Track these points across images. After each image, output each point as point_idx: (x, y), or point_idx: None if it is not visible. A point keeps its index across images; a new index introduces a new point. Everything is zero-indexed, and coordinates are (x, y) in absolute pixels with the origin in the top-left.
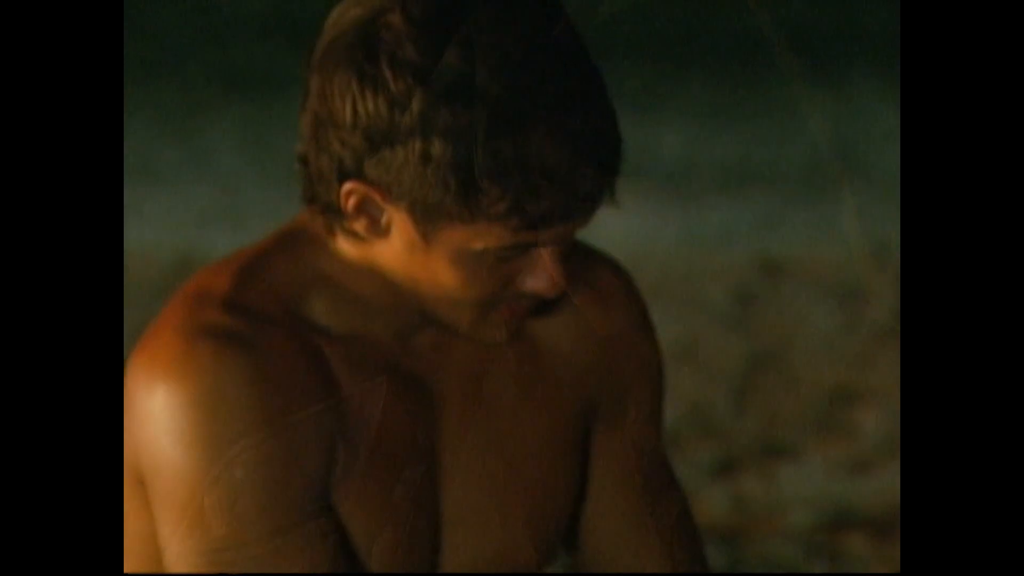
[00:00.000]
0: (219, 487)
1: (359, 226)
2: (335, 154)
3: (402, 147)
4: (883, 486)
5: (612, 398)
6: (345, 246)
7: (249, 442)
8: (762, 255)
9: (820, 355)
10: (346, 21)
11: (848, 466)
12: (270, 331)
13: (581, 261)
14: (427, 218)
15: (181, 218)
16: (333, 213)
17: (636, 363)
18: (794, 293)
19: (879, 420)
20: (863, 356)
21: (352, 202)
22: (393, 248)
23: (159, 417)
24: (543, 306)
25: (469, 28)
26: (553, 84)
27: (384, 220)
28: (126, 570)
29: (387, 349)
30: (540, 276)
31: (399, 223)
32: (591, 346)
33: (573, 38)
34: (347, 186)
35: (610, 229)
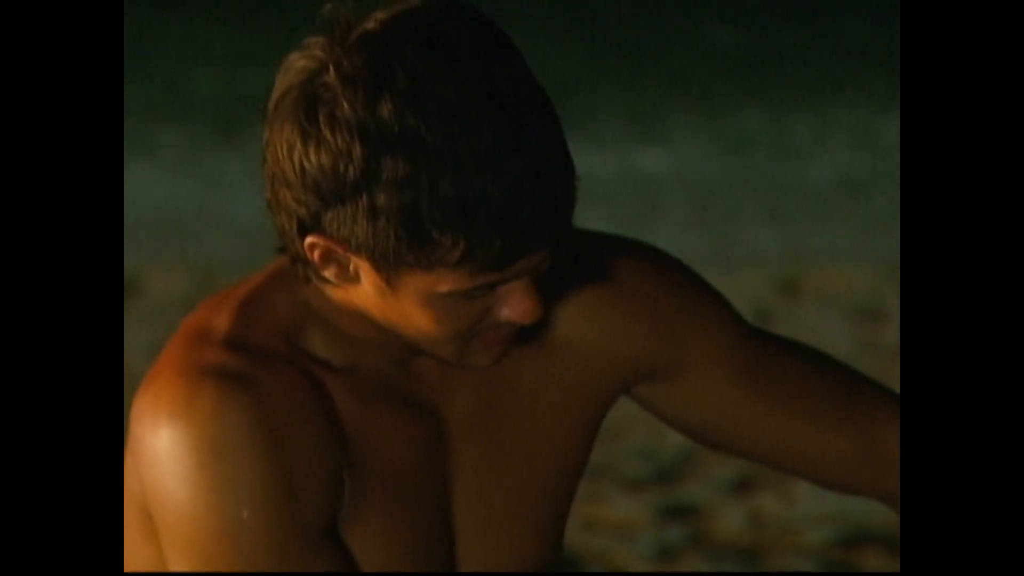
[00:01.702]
0: (226, 526)
1: (329, 274)
2: (292, 211)
3: (351, 202)
4: None
5: (668, 361)
6: (327, 288)
7: (254, 481)
8: (780, 274)
9: None
10: (291, 75)
11: None
12: (272, 368)
13: (600, 256)
14: (388, 267)
15: None
16: (304, 262)
17: (697, 330)
18: (811, 311)
19: None
20: (879, 374)
21: (317, 254)
22: (366, 292)
23: (165, 459)
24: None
25: (404, 80)
26: (493, 128)
27: (351, 268)
28: None
29: (388, 377)
30: (515, 306)
31: (365, 271)
32: (622, 335)
33: (518, 77)
34: (308, 240)
35: None
